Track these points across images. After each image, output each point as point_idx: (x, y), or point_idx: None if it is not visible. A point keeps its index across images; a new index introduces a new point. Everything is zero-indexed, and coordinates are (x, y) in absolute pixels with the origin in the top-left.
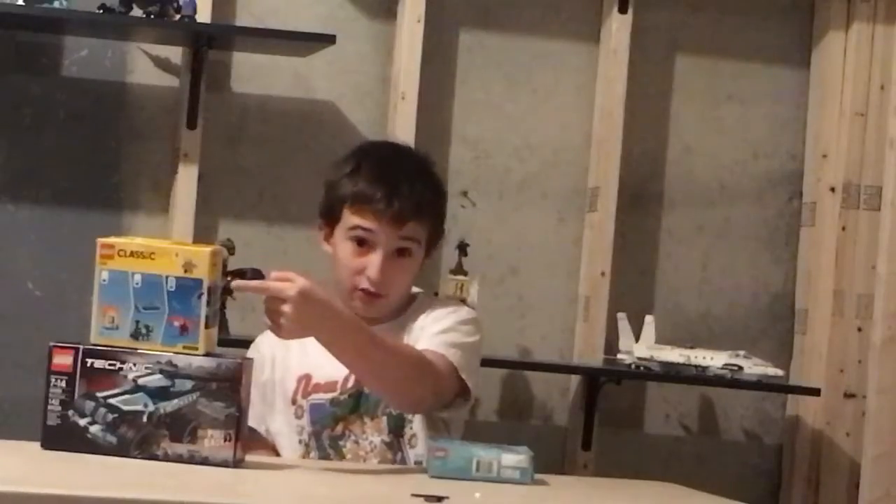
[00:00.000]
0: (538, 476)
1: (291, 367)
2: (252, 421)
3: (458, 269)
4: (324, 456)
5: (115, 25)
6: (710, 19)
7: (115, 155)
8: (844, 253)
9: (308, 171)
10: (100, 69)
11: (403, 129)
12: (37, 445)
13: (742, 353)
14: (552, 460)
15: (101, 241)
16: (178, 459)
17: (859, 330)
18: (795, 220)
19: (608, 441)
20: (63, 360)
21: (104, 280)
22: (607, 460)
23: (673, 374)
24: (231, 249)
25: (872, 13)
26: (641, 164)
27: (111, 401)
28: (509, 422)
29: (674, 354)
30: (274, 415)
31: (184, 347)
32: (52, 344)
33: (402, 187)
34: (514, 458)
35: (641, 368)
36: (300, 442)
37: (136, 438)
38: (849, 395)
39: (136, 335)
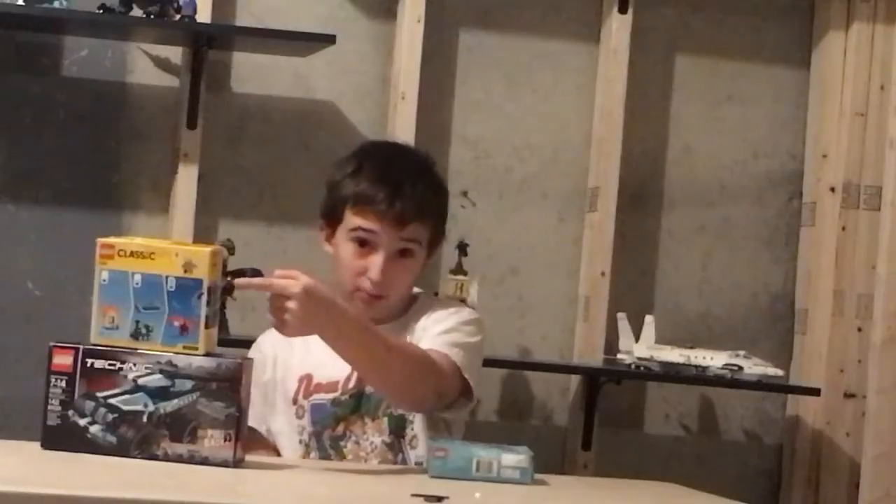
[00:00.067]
0: (538, 476)
1: (293, 366)
2: (252, 421)
3: (458, 269)
4: (324, 456)
5: (115, 25)
6: (710, 19)
7: (115, 155)
8: (844, 253)
9: (308, 171)
10: (100, 69)
11: (403, 129)
12: (37, 445)
13: (742, 353)
14: (552, 460)
15: (101, 241)
16: (178, 459)
17: (859, 330)
18: (795, 220)
19: (608, 441)
20: (63, 360)
21: (104, 280)
22: (607, 460)
23: (673, 374)
24: (231, 249)
25: (872, 13)
26: (641, 164)
27: (111, 401)
28: (509, 422)
29: (674, 354)
30: (275, 415)
31: (184, 347)
32: (52, 344)
33: (404, 188)
34: (514, 458)
35: (641, 368)
36: (300, 442)
37: (136, 438)
38: (849, 395)
39: (136, 335)
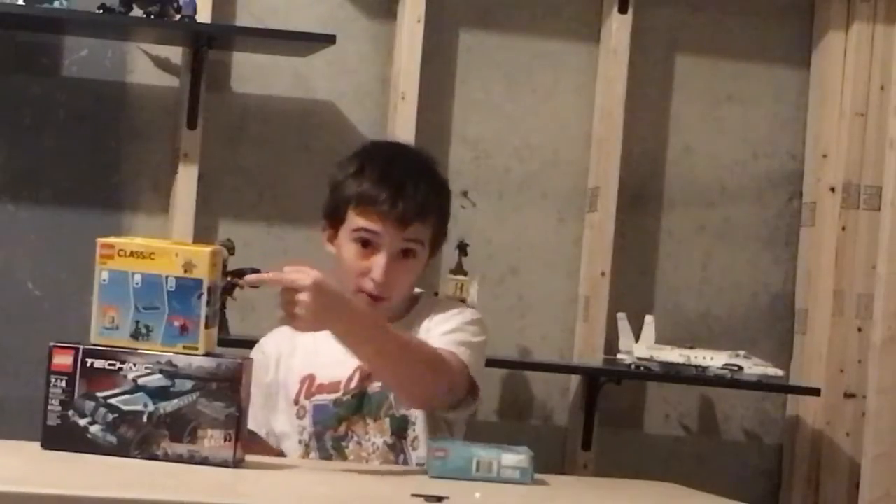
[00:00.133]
0: (538, 476)
1: (294, 367)
2: (253, 424)
3: (458, 269)
4: (326, 457)
5: (115, 25)
6: (710, 19)
7: (115, 155)
8: (844, 253)
9: (308, 171)
10: (100, 69)
11: (403, 130)
12: (37, 445)
13: (742, 353)
14: (552, 460)
15: (101, 241)
16: (178, 459)
17: (859, 330)
18: (795, 220)
19: (608, 441)
20: (63, 360)
21: (104, 280)
22: (607, 460)
23: (673, 374)
24: (231, 249)
25: (872, 13)
26: (641, 164)
27: (111, 401)
28: (509, 422)
29: (674, 354)
30: (277, 416)
31: (184, 347)
32: (52, 344)
33: (407, 188)
34: (514, 458)
35: (641, 368)
36: (300, 442)
37: (136, 438)
38: (849, 395)
39: (136, 335)
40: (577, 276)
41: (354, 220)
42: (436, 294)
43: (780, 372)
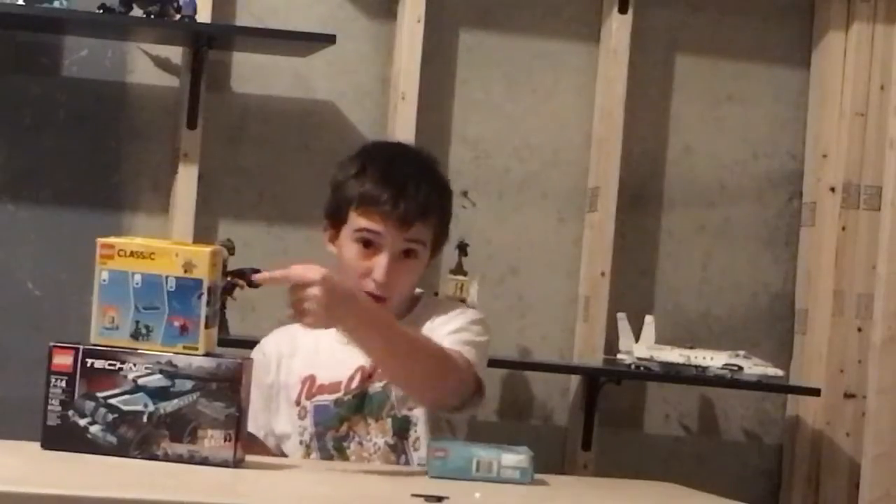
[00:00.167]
0: (538, 476)
1: (295, 368)
2: (251, 425)
3: (458, 269)
4: (327, 457)
5: (115, 25)
6: (710, 19)
7: (115, 155)
8: (844, 253)
9: (308, 171)
10: (100, 69)
11: (403, 130)
12: (37, 445)
13: (742, 353)
14: (552, 460)
15: (101, 241)
16: (178, 459)
17: (859, 330)
18: (795, 220)
19: (608, 441)
20: (63, 360)
21: (104, 280)
22: (607, 460)
23: (673, 374)
24: (231, 249)
25: (872, 13)
26: (641, 164)
27: (111, 401)
28: (509, 422)
29: (674, 354)
30: (278, 416)
31: (184, 347)
32: (52, 344)
33: (409, 188)
34: (514, 458)
35: (641, 368)
36: (301, 443)
37: (136, 438)
38: (849, 395)
39: (136, 335)
40: (577, 276)
41: (356, 221)
42: (436, 294)
43: (780, 372)
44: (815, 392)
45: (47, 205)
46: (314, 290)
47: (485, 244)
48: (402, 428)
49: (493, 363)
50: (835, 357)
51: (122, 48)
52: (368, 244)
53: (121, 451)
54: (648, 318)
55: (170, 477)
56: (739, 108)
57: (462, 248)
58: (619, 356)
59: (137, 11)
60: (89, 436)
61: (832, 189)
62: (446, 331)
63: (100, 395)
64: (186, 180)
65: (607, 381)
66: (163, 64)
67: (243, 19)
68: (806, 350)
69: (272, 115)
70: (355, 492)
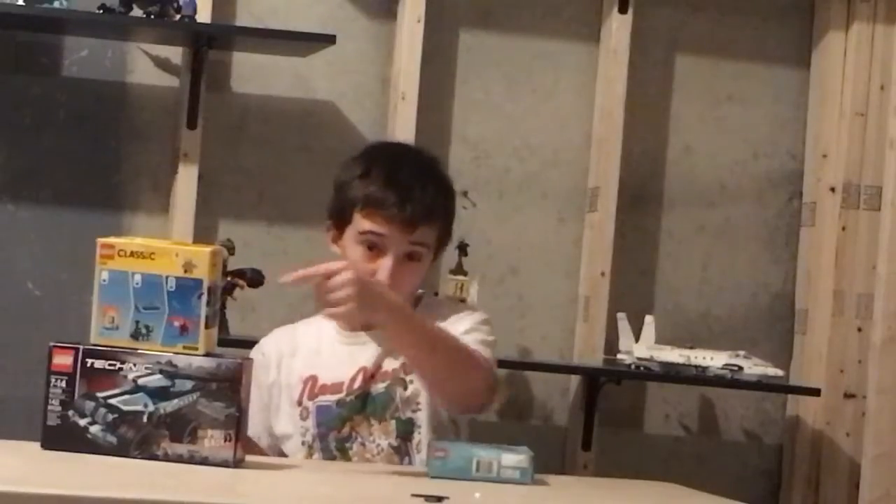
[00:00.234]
0: (538, 476)
1: (296, 368)
2: (250, 430)
3: (458, 269)
4: (329, 458)
5: (115, 25)
6: (710, 19)
7: (115, 155)
8: (844, 253)
9: (308, 171)
10: (100, 69)
11: (403, 130)
12: (37, 445)
13: (742, 353)
14: (552, 460)
15: (101, 241)
16: (178, 459)
17: (859, 330)
18: (795, 220)
19: (608, 441)
20: (63, 360)
21: (104, 280)
22: (607, 460)
23: (673, 374)
24: (231, 249)
25: (872, 13)
26: (641, 164)
27: (111, 401)
28: (509, 422)
29: (674, 354)
30: (279, 416)
31: (184, 347)
32: (52, 344)
33: (414, 191)
34: (514, 458)
35: (641, 368)
36: (303, 443)
37: (136, 438)
38: (849, 395)
39: (136, 335)
40: (577, 276)
41: (361, 223)
42: (436, 294)
43: (780, 372)
44: (815, 392)
45: (47, 205)
46: (345, 279)
47: (485, 244)
48: (406, 430)
49: None
50: (835, 357)
51: (122, 48)
52: (373, 246)
53: (121, 451)
54: (648, 318)
55: (170, 477)
56: (739, 108)
57: (462, 248)
58: (619, 356)
59: (137, 11)
60: (89, 436)
61: (832, 189)
62: (458, 331)
63: (100, 395)
64: (186, 180)
65: (607, 381)
66: (163, 64)
67: (243, 19)
68: (806, 350)
69: (272, 115)
70: (355, 492)
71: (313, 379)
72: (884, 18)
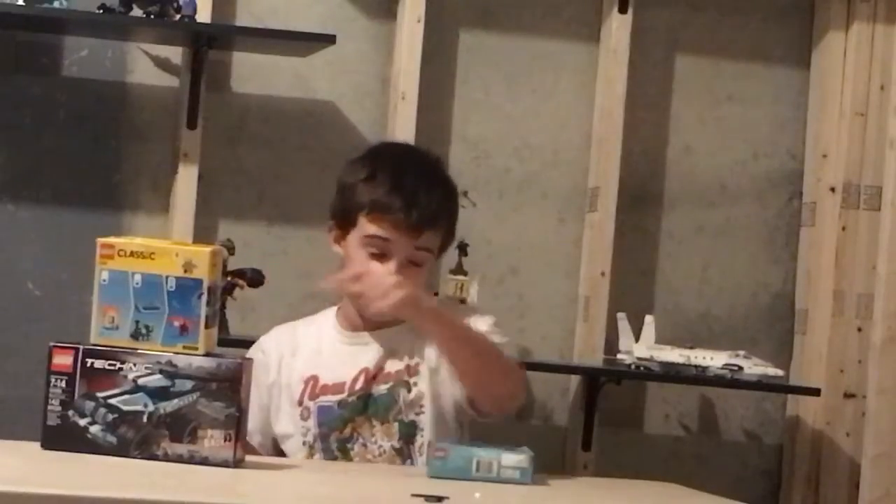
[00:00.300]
0: (538, 476)
1: (297, 368)
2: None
3: (458, 269)
4: (330, 458)
5: (115, 25)
6: (710, 19)
7: (115, 155)
8: (844, 253)
9: (308, 171)
10: (100, 69)
11: (403, 129)
12: (37, 445)
13: (742, 353)
14: (552, 460)
15: (101, 241)
16: (178, 459)
17: (859, 330)
18: (795, 220)
19: (608, 441)
20: (63, 360)
21: (104, 280)
22: (607, 460)
23: (673, 374)
24: (231, 249)
25: (872, 13)
26: (641, 164)
27: (111, 401)
28: (509, 422)
29: (674, 354)
30: (279, 416)
31: (184, 347)
32: (52, 344)
33: (420, 196)
34: (514, 458)
35: (641, 368)
36: (304, 443)
37: (136, 438)
38: (849, 395)
39: (136, 335)
40: (577, 276)
41: (366, 227)
42: (436, 294)
43: (780, 372)
44: (815, 392)
45: (47, 205)
46: (393, 278)
47: (485, 244)
48: (409, 433)
49: None
50: (835, 357)
51: (122, 48)
52: (377, 250)
53: (121, 451)
54: (648, 318)
55: (170, 477)
56: (739, 108)
57: (462, 248)
58: (619, 356)
59: (137, 11)
60: (89, 436)
61: (832, 189)
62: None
63: (100, 395)
64: (186, 180)
65: (607, 381)
66: (163, 64)
67: (243, 19)
68: (806, 350)
69: (272, 115)
70: (355, 492)
71: (314, 379)
72: (884, 18)
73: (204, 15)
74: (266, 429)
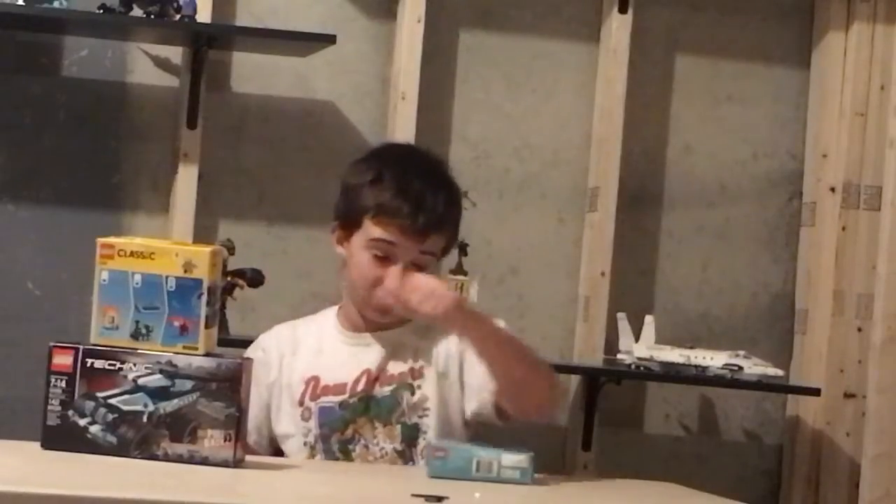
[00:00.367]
0: (538, 476)
1: (297, 368)
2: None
3: (458, 269)
4: (331, 459)
5: (115, 25)
6: (710, 19)
7: (115, 155)
8: (844, 253)
9: (308, 171)
10: (100, 69)
11: (403, 129)
12: (37, 445)
13: (742, 353)
14: (552, 460)
15: (101, 241)
16: (178, 459)
17: (859, 330)
18: (795, 220)
19: (608, 441)
20: (63, 360)
21: (104, 280)
22: (607, 460)
23: (673, 374)
24: (231, 249)
25: (872, 13)
26: (641, 164)
27: (111, 401)
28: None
29: (674, 354)
30: (280, 416)
31: (184, 347)
32: (52, 344)
33: (426, 200)
34: (514, 458)
35: (641, 368)
36: (305, 444)
37: (136, 438)
38: (849, 395)
39: (136, 335)
40: (577, 276)
41: (372, 230)
42: None
43: (780, 372)
44: (815, 392)
45: (47, 205)
46: (432, 280)
47: (485, 244)
48: (411, 435)
49: None
50: (835, 357)
51: (122, 48)
52: (382, 253)
53: (121, 451)
54: (648, 318)
55: (170, 477)
56: (739, 108)
57: (462, 248)
58: (619, 356)
59: (137, 11)
60: (89, 436)
61: (832, 189)
62: None
63: (100, 395)
64: (186, 180)
65: (607, 381)
66: (163, 64)
67: (243, 19)
68: (806, 350)
69: (272, 115)
70: (355, 492)
71: (315, 379)
72: (884, 18)
73: (204, 15)
74: (263, 428)
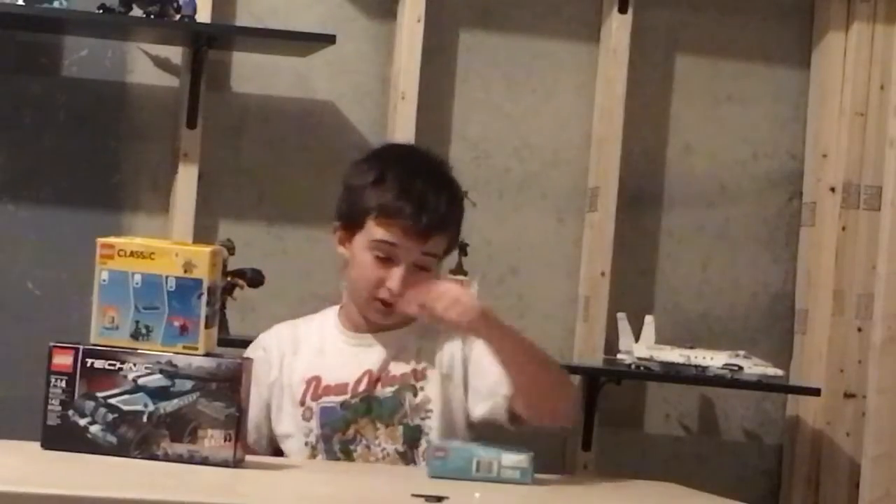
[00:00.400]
0: (538, 476)
1: (298, 368)
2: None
3: (458, 269)
4: (333, 460)
5: (115, 25)
6: (710, 19)
7: (115, 155)
8: (844, 253)
9: (308, 171)
10: (100, 69)
11: (403, 129)
12: (37, 445)
13: (742, 353)
14: (552, 460)
15: (101, 241)
16: (178, 459)
17: (859, 330)
18: (795, 220)
19: (608, 441)
20: (63, 360)
21: (104, 280)
22: (607, 460)
23: (673, 374)
24: (231, 249)
25: (872, 13)
26: (641, 164)
27: (111, 401)
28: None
29: (674, 354)
30: (281, 416)
31: (184, 347)
32: (52, 344)
33: (429, 201)
34: (514, 458)
35: (641, 368)
36: (306, 444)
37: (136, 438)
38: (849, 395)
39: (136, 335)
40: (577, 276)
41: (374, 231)
42: None
43: (780, 372)
44: (815, 392)
45: (47, 205)
46: (456, 287)
47: (485, 244)
48: (413, 437)
49: None
50: (835, 357)
51: (122, 48)
52: (384, 254)
53: (121, 451)
54: (648, 318)
55: (170, 477)
56: (739, 108)
57: (462, 248)
58: (619, 356)
59: (137, 11)
60: (89, 436)
61: (832, 189)
62: None
63: (100, 395)
64: (186, 180)
65: (607, 381)
66: (163, 64)
67: (243, 19)
68: (806, 350)
69: (272, 115)
70: (355, 492)
71: (317, 380)
72: (884, 18)
73: (204, 15)
74: (262, 427)
